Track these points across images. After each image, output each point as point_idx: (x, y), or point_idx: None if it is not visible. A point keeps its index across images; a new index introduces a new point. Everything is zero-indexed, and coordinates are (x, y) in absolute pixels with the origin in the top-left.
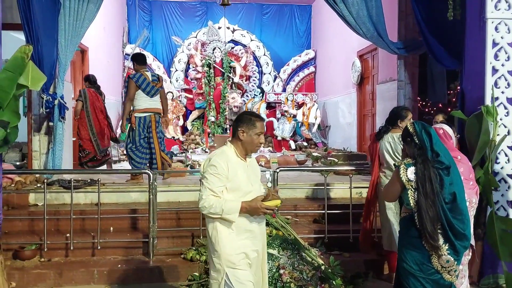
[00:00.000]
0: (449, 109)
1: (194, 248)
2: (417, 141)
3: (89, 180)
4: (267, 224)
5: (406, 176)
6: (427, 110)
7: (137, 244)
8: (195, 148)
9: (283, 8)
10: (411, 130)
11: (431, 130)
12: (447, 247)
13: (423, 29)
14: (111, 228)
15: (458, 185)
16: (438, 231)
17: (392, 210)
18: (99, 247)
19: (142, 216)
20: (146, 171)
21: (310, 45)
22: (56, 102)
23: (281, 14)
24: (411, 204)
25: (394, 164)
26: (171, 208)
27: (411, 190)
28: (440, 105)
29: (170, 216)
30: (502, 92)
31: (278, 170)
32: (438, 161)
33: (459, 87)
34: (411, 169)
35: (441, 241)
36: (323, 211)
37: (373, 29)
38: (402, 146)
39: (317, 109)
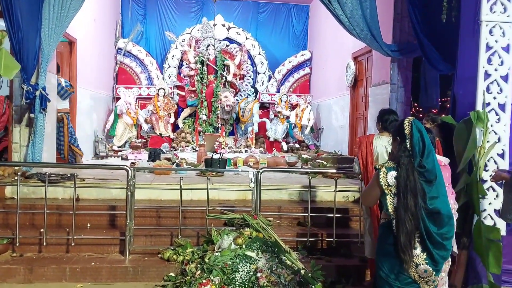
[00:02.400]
0: (442, 115)
1: (172, 248)
2: (408, 146)
3: (69, 175)
4: (247, 226)
5: (386, 180)
6: (421, 115)
7: (113, 242)
8: (185, 147)
9: (280, 7)
10: (406, 130)
11: (426, 137)
12: (425, 257)
13: (418, 32)
14: (88, 225)
15: (443, 200)
16: (417, 239)
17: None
18: (73, 244)
19: (121, 213)
20: (125, 167)
21: (307, 46)
22: (37, 93)
23: (278, 13)
24: (390, 210)
25: (374, 167)
26: (150, 206)
27: (390, 196)
28: (434, 111)
29: (150, 214)
30: (494, 98)
31: (261, 171)
32: (421, 173)
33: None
34: (392, 174)
35: (418, 250)
36: (306, 214)
37: (367, 30)
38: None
39: (310, 111)
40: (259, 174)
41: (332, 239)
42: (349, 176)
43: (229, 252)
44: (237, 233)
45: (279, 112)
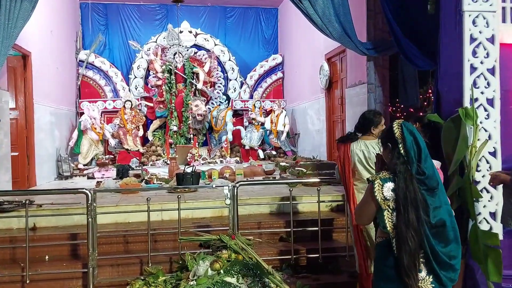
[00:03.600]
0: (421, 114)
1: (141, 278)
2: (401, 151)
3: (23, 201)
4: (225, 248)
5: (382, 194)
6: (398, 115)
7: (75, 275)
8: (156, 161)
9: (248, 11)
10: (397, 134)
11: (421, 139)
12: (431, 280)
13: (394, 27)
14: (47, 257)
15: (447, 209)
16: (421, 260)
17: (367, 228)
18: (28, 281)
19: (84, 242)
20: (84, 190)
21: (278, 50)
22: None
23: (246, 18)
24: (388, 228)
25: (367, 179)
26: (116, 230)
27: (388, 211)
28: (411, 110)
29: (116, 240)
30: (482, 93)
31: (238, 185)
32: (422, 180)
33: (432, 89)
34: (388, 185)
35: (423, 272)
36: (290, 229)
37: (341, 29)
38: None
39: (285, 116)
40: (235, 188)
41: (318, 255)
42: (331, 183)
43: (206, 280)
44: (214, 257)
45: (253, 119)
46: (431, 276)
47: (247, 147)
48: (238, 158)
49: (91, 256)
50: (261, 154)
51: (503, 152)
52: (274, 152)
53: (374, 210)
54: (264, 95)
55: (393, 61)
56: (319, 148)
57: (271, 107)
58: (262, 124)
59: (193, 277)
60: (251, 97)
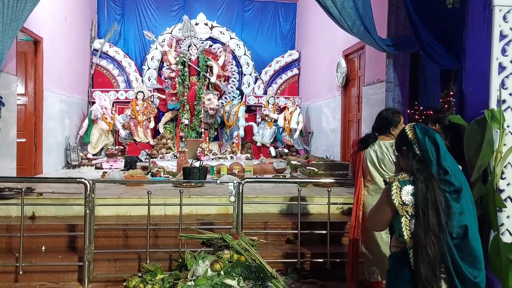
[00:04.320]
0: (441, 115)
1: (139, 275)
2: (417, 152)
3: (24, 189)
4: (227, 247)
5: (400, 198)
6: (417, 117)
7: (71, 268)
8: (165, 153)
9: (266, 5)
10: (410, 136)
11: (437, 137)
12: None
13: (416, 23)
14: (43, 248)
15: (471, 215)
16: (441, 275)
17: (379, 234)
18: (21, 272)
19: (81, 234)
20: (82, 180)
21: (294, 46)
22: None
23: (264, 12)
24: (405, 237)
25: (384, 180)
26: (117, 223)
27: (406, 218)
28: (431, 112)
29: (116, 234)
30: (510, 94)
31: (243, 182)
32: (446, 180)
33: (454, 90)
34: (408, 189)
35: (444, 287)
36: (297, 231)
37: (360, 23)
38: (394, 158)
39: (299, 113)
40: (241, 185)
41: (325, 260)
42: (343, 184)
43: (204, 281)
44: (215, 257)
45: (266, 115)
46: None
47: (258, 144)
48: (249, 155)
49: (87, 250)
50: (272, 151)
51: None
52: (286, 150)
53: (390, 215)
54: (278, 91)
55: (414, 60)
56: (333, 148)
57: (285, 104)
58: (275, 121)
59: (191, 277)
60: (265, 93)
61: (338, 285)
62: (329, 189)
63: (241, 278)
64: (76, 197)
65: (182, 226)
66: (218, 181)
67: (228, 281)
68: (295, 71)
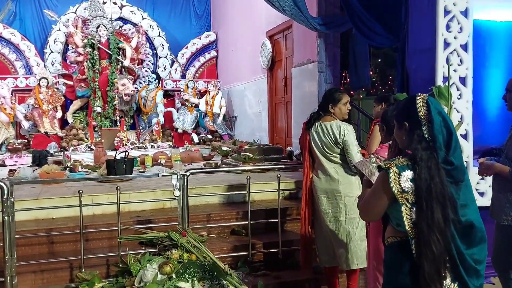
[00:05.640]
0: (387, 94)
1: (73, 286)
2: (426, 135)
3: None
4: (175, 246)
5: (399, 184)
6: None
7: None
8: (77, 145)
9: None
10: (421, 113)
11: (451, 122)
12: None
13: (351, 1)
14: None
15: (475, 208)
16: (446, 273)
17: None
18: None
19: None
20: None
21: (210, 27)
22: None
23: None
24: (406, 227)
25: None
26: (38, 229)
27: (406, 206)
28: (352, 93)
29: (39, 241)
30: (455, 71)
31: (188, 174)
32: (449, 171)
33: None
34: (407, 174)
35: (448, 279)
36: (245, 222)
37: (291, 1)
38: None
39: (221, 97)
40: (185, 178)
41: (277, 250)
42: (288, 168)
43: (155, 286)
44: (162, 258)
45: (186, 100)
46: (456, 284)
47: (179, 131)
48: (170, 143)
49: (9, 263)
50: (195, 138)
51: (474, 136)
52: (209, 136)
53: (386, 204)
54: (197, 74)
55: (343, 39)
56: (258, 132)
57: (205, 88)
58: (196, 106)
59: (139, 284)
60: (183, 76)
61: (293, 275)
62: (279, 175)
63: (195, 279)
64: None
65: (121, 227)
66: (161, 175)
67: (182, 284)
68: (213, 53)
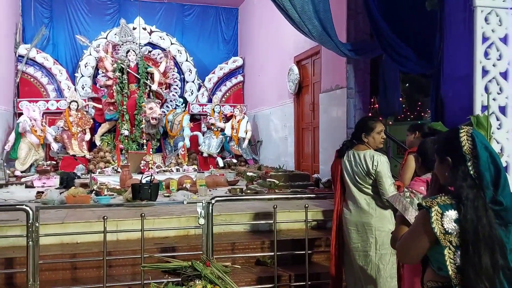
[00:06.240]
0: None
1: None
2: (471, 171)
3: None
4: (198, 277)
5: (442, 225)
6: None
7: None
8: (104, 168)
9: (207, 10)
10: (465, 148)
11: (498, 158)
12: None
13: (381, 26)
14: None
15: None
16: None
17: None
18: None
19: (22, 270)
20: (23, 206)
21: (237, 52)
22: None
23: (205, 17)
24: (449, 272)
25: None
26: (62, 254)
27: (450, 250)
28: (380, 119)
29: (63, 266)
30: (494, 99)
31: (213, 202)
32: (497, 211)
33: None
34: (450, 215)
35: None
36: (271, 253)
37: (320, 27)
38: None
39: (247, 122)
40: (211, 205)
41: (304, 283)
42: (317, 197)
43: None
44: None
45: (212, 124)
46: None
47: (205, 155)
48: (195, 166)
49: None
50: (220, 162)
51: None
52: (234, 160)
53: (427, 246)
54: (223, 99)
55: (373, 66)
56: (284, 157)
57: (231, 112)
58: (222, 130)
59: None
60: (210, 101)
61: None
62: (307, 205)
63: None
64: (11, 224)
65: (145, 255)
66: (185, 202)
67: None
68: (240, 78)
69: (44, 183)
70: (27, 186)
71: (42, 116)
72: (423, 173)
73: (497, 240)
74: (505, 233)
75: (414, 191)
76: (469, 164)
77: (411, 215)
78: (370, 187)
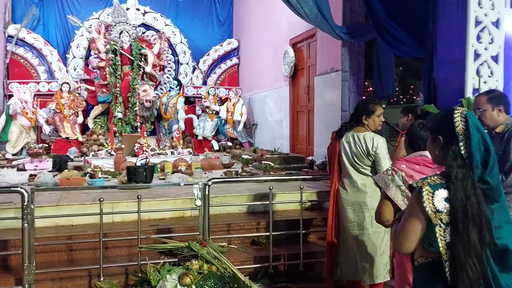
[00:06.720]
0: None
1: None
2: (463, 151)
3: None
4: (195, 257)
5: (433, 204)
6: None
7: None
8: (97, 151)
9: None
10: (458, 128)
11: (489, 139)
12: None
13: (376, 9)
14: None
15: (508, 231)
16: None
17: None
18: None
19: (17, 251)
20: (18, 188)
21: (232, 34)
22: None
23: None
24: (440, 248)
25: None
26: (58, 236)
27: (440, 227)
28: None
29: (58, 248)
30: (485, 82)
31: (210, 183)
32: (484, 190)
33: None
34: (441, 193)
35: None
36: (266, 233)
37: (316, 9)
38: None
39: (243, 105)
40: (207, 187)
41: (298, 261)
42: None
43: None
44: (182, 269)
45: (207, 107)
46: None
47: (200, 138)
48: (190, 149)
49: (27, 270)
50: (215, 145)
51: None
52: (229, 143)
53: (424, 226)
54: (218, 81)
55: (367, 49)
56: (279, 140)
57: (226, 95)
58: (217, 112)
59: None
60: (205, 83)
61: (313, 287)
62: (302, 186)
63: None
64: (5, 206)
65: (141, 236)
66: (182, 184)
67: None
68: (235, 60)
69: (36, 166)
70: (19, 169)
71: (33, 98)
72: (409, 154)
73: (484, 218)
74: (490, 211)
75: (396, 168)
76: (461, 144)
77: (391, 190)
78: (368, 167)
